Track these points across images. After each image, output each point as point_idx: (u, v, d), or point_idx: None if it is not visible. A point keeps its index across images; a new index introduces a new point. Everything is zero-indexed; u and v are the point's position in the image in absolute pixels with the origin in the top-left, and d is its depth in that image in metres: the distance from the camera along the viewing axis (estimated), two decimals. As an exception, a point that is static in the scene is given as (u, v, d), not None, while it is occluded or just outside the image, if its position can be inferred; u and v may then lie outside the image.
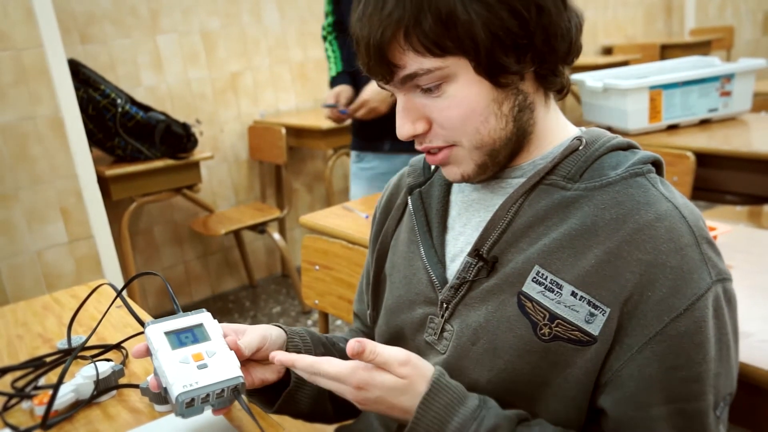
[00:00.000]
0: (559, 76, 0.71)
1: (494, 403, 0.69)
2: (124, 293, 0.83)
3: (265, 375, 0.79)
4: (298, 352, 0.83)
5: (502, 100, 0.69)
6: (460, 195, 0.81)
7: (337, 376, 0.67)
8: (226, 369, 0.70)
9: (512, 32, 0.65)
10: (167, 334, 0.72)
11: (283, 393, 0.82)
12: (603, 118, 2.25)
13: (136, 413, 0.83)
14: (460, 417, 0.66)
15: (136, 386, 0.88)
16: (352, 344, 0.65)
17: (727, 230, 1.20)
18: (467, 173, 0.74)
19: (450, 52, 0.65)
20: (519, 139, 0.72)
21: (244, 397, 0.71)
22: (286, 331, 0.83)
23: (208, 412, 0.74)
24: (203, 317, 0.76)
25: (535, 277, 0.69)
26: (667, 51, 4.53)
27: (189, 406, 0.68)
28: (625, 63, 4.02)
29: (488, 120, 0.69)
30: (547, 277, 0.69)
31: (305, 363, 0.68)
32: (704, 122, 2.18)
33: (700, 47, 4.57)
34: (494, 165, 0.73)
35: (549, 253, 0.69)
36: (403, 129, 0.71)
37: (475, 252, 0.73)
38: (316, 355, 0.85)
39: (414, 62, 0.66)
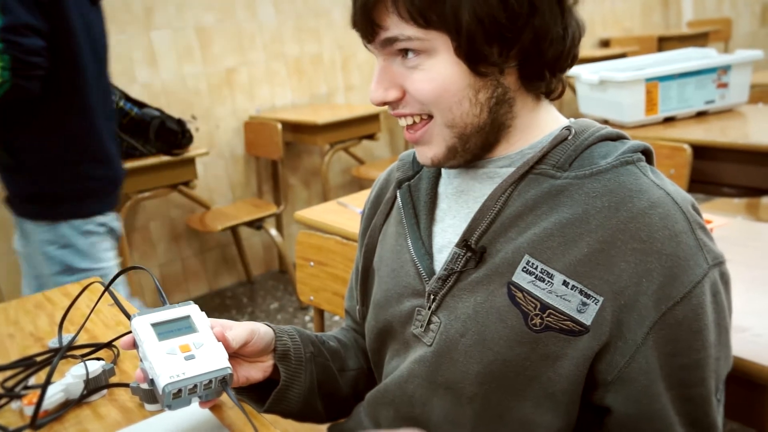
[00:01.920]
0: (543, 80, 0.70)
1: None
2: (114, 290, 0.82)
3: (250, 373, 0.78)
4: (287, 350, 0.82)
5: (479, 87, 0.68)
6: (448, 187, 0.81)
7: None
8: (213, 360, 0.70)
9: (499, 23, 0.64)
10: (154, 325, 0.72)
11: (273, 392, 0.81)
12: (599, 111, 2.24)
13: (126, 412, 0.82)
14: None
15: (127, 385, 0.87)
16: None
17: (724, 223, 1.19)
18: (437, 156, 0.73)
19: (433, 26, 0.65)
20: (494, 130, 0.72)
21: (231, 388, 0.71)
22: (274, 330, 0.82)
23: (196, 407, 0.73)
24: (190, 309, 0.75)
25: (525, 267, 0.68)
26: (664, 43, 4.52)
27: (176, 397, 0.67)
28: (622, 55, 4.01)
29: (462, 103, 0.69)
30: (537, 266, 0.68)
31: None
32: (701, 114, 2.17)
33: (698, 39, 4.56)
34: (464, 151, 0.73)
35: (539, 242, 0.68)
36: (376, 94, 0.72)
37: (464, 242, 0.73)
38: (305, 354, 0.85)
39: (396, 27, 0.66)
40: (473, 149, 0.73)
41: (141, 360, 0.71)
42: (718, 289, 0.67)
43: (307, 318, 2.88)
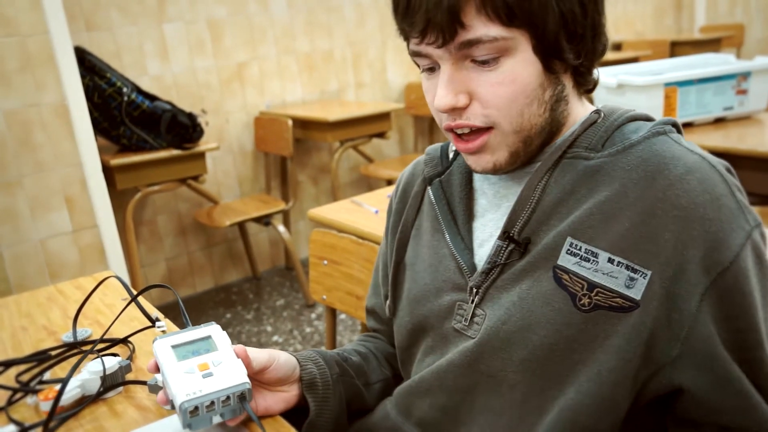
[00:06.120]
0: (592, 75, 0.72)
1: None
2: (134, 290, 0.81)
3: (269, 403, 0.78)
4: (313, 378, 0.82)
5: (547, 86, 0.68)
6: (485, 183, 0.80)
7: None
8: (231, 376, 0.70)
9: (576, 19, 0.65)
10: (174, 347, 0.73)
11: (304, 424, 0.81)
12: (615, 115, 2.21)
13: (143, 410, 0.80)
14: None
15: (144, 383, 0.86)
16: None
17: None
18: (500, 162, 0.71)
19: (516, 24, 0.63)
20: (551, 129, 0.72)
21: (250, 404, 0.71)
22: (298, 359, 0.82)
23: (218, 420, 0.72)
24: (212, 330, 0.76)
25: (569, 249, 0.68)
26: (676, 48, 4.49)
27: (193, 414, 0.67)
28: (634, 59, 3.98)
29: (532, 104, 0.68)
30: (581, 247, 0.67)
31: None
32: (719, 121, 2.14)
33: (710, 45, 4.53)
34: (525, 154, 0.72)
35: (580, 223, 0.68)
36: (446, 99, 0.67)
37: (505, 234, 0.72)
38: (331, 377, 0.84)
39: (482, 27, 0.63)
40: (534, 150, 0.72)
41: (163, 381, 0.71)
42: (761, 250, 0.66)
43: (313, 315, 2.86)
